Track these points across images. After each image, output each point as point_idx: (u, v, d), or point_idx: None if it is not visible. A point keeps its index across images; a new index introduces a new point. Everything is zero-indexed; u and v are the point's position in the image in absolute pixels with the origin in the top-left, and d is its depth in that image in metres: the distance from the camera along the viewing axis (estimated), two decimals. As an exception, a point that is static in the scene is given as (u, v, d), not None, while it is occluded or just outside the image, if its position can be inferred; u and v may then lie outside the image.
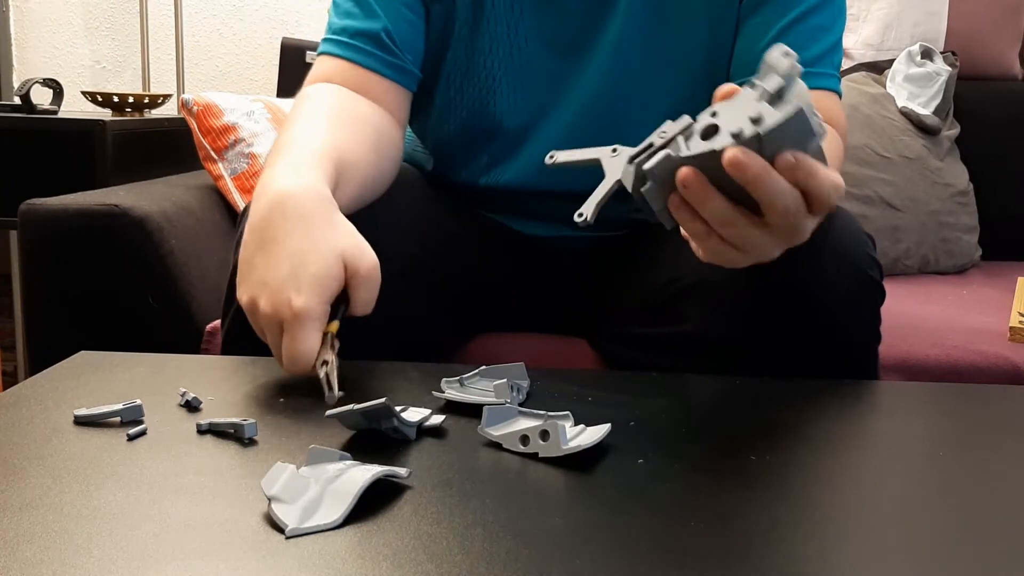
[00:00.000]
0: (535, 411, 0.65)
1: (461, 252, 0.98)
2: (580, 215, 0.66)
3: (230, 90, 2.29)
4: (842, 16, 0.95)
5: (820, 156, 0.63)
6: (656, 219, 0.67)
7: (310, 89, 0.93)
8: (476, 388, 0.70)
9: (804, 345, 0.80)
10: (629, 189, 0.65)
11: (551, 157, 0.70)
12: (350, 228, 0.73)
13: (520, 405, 0.67)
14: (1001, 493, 0.57)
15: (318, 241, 0.70)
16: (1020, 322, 1.21)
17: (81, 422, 0.64)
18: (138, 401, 0.65)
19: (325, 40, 0.97)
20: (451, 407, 0.68)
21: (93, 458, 0.58)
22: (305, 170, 0.75)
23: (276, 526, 0.49)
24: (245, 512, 0.51)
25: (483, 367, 0.72)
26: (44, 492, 0.53)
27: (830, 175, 0.62)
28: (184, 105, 1.52)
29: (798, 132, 0.60)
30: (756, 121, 0.60)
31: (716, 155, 0.60)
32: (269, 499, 0.50)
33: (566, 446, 0.58)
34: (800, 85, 0.60)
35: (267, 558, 0.46)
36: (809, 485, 0.57)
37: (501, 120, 1.00)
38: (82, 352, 0.81)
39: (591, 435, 0.60)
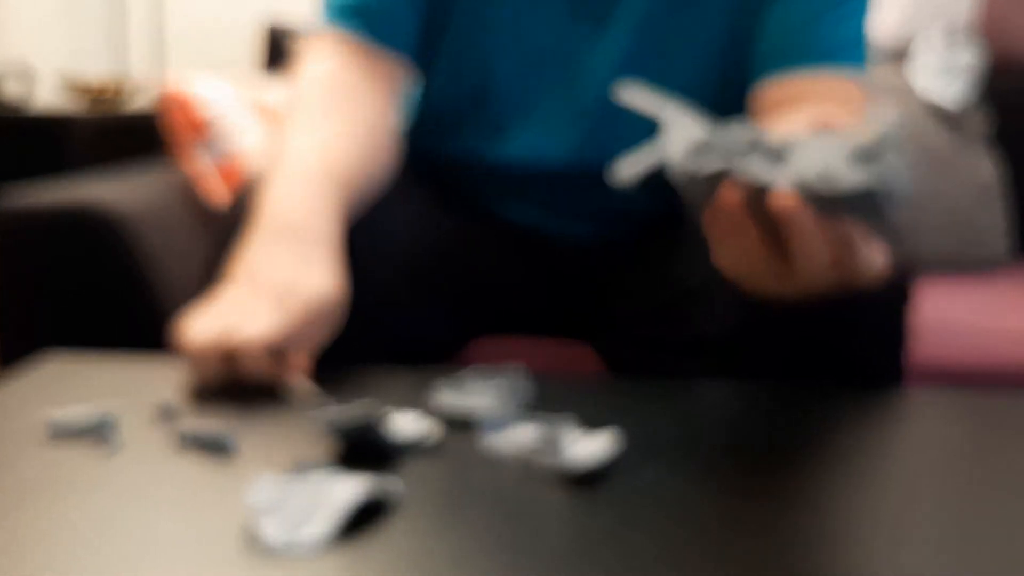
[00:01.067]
0: (535, 416, 0.63)
1: (461, 252, 0.97)
2: (617, 173, 0.63)
3: (213, 74, 2.25)
4: (868, 2, 0.95)
5: (885, 225, 0.60)
6: (688, 206, 0.64)
7: (303, 87, 0.93)
8: (473, 393, 0.68)
9: (825, 350, 0.78)
10: (676, 169, 0.61)
11: (623, 91, 0.67)
12: (337, 269, 0.78)
13: (519, 411, 0.65)
14: None
15: (317, 268, 0.75)
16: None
17: (54, 431, 0.62)
18: (112, 409, 0.64)
19: (320, 18, 0.97)
20: (446, 413, 0.66)
21: (67, 469, 0.57)
22: (312, 194, 0.80)
23: (261, 541, 0.47)
24: (227, 527, 0.49)
25: (480, 370, 0.70)
26: (15, 504, 0.52)
27: (870, 261, 0.60)
28: (162, 98, 1.49)
29: (870, 204, 0.57)
30: (826, 178, 0.57)
31: (767, 189, 0.58)
32: (254, 513, 0.49)
33: (567, 454, 0.57)
34: (896, 154, 0.58)
35: (252, 575, 0.44)
36: (825, 497, 0.56)
37: (505, 93, 0.99)
38: (52, 352, 0.79)
39: (594, 442, 0.58)
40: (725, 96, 0.96)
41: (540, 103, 0.98)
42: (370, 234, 0.83)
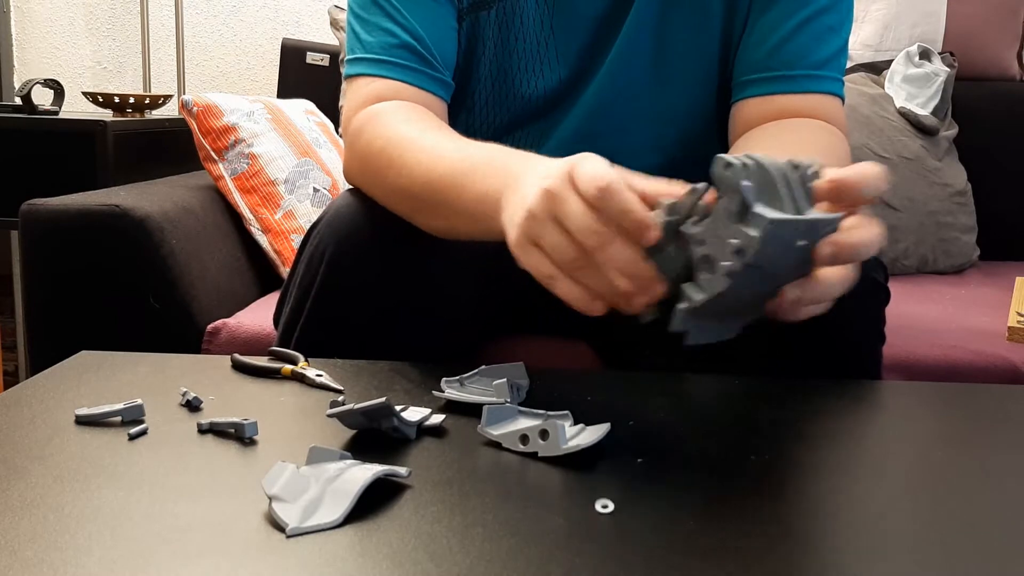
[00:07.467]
0: (534, 410, 0.65)
1: (483, 261, 0.97)
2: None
3: (230, 91, 2.29)
4: (850, 18, 0.94)
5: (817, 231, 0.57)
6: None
7: (382, 108, 0.89)
8: (476, 388, 0.71)
9: (807, 346, 0.80)
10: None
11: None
12: None
13: (520, 405, 0.67)
14: (999, 492, 0.57)
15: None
16: (1018, 322, 1.22)
17: (82, 422, 0.64)
18: (139, 401, 0.66)
19: (358, 60, 0.92)
20: (451, 407, 0.68)
21: (94, 458, 0.58)
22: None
23: (277, 525, 0.49)
24: (246, 511, 0.51)
25: (483, 367, 0.72)
26: (45, 492, 0.53)
27: (861, 246, 0.58)
28: (184, 106, 1.52)
29: (789, 234, 0.55)
30: (740, 252, 0.55)
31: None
32: (270, 498, 0.51)
33: (565, 445, 0.59)
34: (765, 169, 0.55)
35: (268, 557, 0.46)
36: (808, 484, 0.58)
37: (520, 135, 0.99)
38: (83, 352, 0.81)
39: (590, 434, 0.60)
40: (721, 110, 0.97)
41: (548, 137, 0.99)
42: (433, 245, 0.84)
